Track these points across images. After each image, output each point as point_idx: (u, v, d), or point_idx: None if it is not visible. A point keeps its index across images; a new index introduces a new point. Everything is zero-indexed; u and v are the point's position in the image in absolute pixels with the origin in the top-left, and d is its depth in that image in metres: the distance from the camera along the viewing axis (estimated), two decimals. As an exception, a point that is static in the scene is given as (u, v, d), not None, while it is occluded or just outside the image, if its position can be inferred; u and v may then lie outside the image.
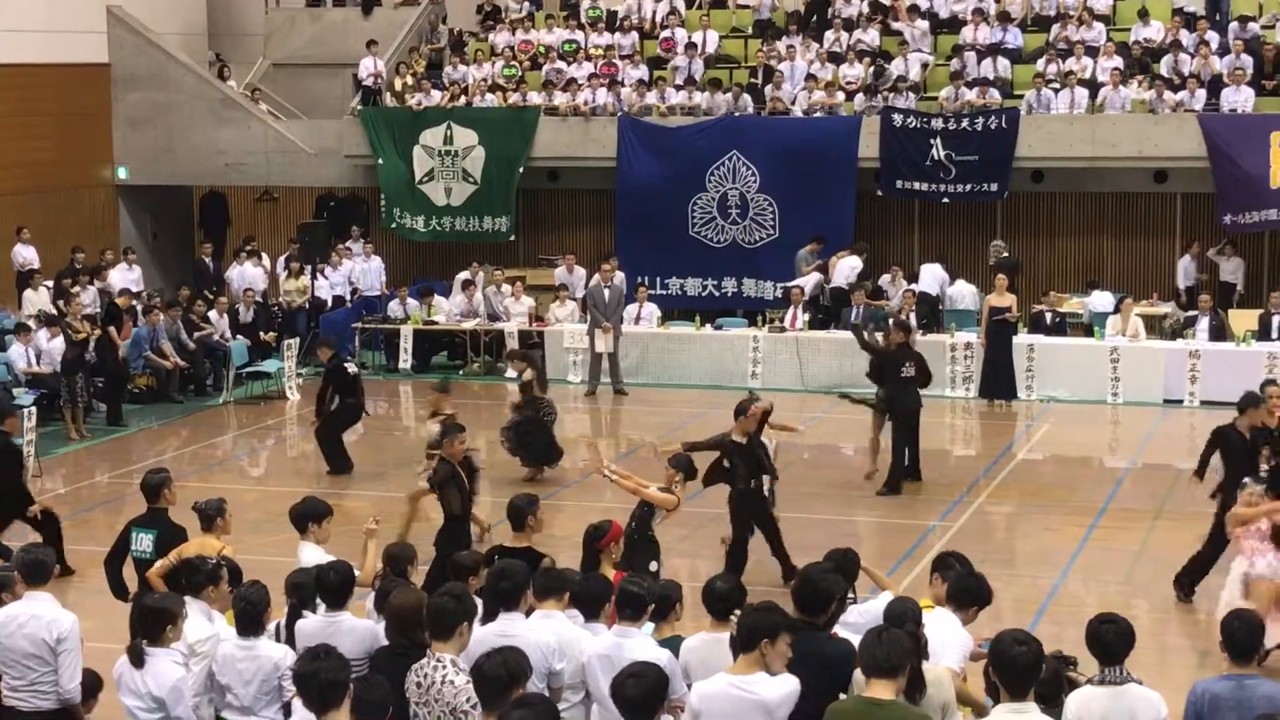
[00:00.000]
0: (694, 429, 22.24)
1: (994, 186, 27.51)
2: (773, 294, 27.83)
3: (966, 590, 8.88)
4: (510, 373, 22.21)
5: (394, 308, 27.84)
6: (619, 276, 26.10)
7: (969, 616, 8.85)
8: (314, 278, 28.40)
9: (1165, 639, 13.57)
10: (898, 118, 27.57)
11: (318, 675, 7.10)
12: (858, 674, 7.56)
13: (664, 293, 28.46)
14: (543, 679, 8.28)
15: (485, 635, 8.30)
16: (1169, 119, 26.65)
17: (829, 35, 30.19)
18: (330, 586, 9.20)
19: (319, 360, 21.59)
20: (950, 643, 8.45)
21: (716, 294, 28.73)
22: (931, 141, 27.40)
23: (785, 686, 7.38)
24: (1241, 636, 7.89)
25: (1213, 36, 28.03)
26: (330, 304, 28.44)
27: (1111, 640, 7.72)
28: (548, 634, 8.52)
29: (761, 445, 15.05)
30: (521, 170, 29.60)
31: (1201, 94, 26.84)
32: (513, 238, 29.98)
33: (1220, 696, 7.78)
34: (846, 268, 26.59)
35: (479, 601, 8.67)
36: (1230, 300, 26.18)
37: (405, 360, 27.03)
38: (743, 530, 14.98)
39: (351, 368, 20.73)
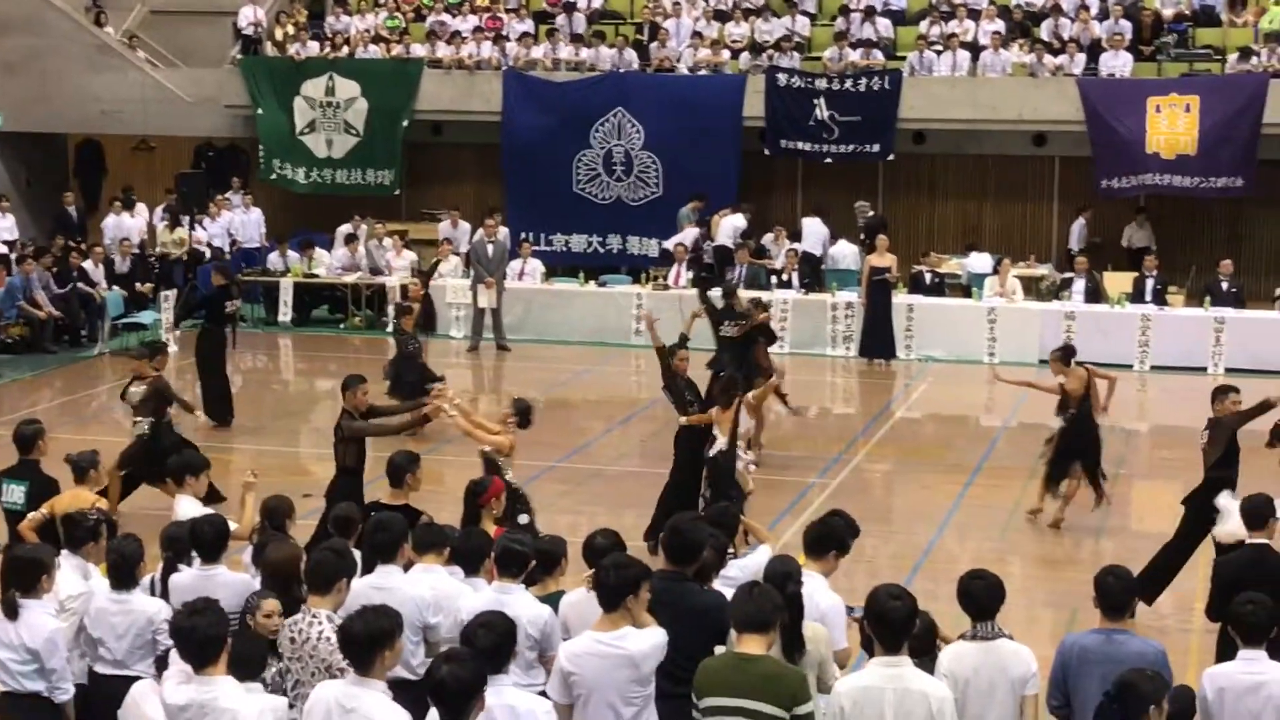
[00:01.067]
0: (577, 385, 22.33)
1: (877, 147, 27.68)
2: (656, 251, 27.83)
3: (818, 537, 8.89)
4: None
5: (273, 260, 27.55)
6: (503, 232, 26.01)
7: (829, 564, 8.88)
8: (192, 229, 28.01)
9: (1037, 594, 13.80)
10: (782, 77, 27.65)
11: (196, 630, 7.04)
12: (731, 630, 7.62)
13: (548, 249, 28.37)
14: (417, 633, 8.27)
15: (361, 588, 8.28)
16: (1048, 83, 26.95)
17: (715, -8, 30.19)
18: (205, 540, 9.11)
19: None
20: (829, 611, 8.47)
21: (601, 251, 28.70)
22: (815, 101, 27.50)
23: (652, 639, 7.42)
24: (1115, 592, 8.01)
25: (1093, 1, 28.36)
26: (208, 255, 28.06)
27: (982, 595, 7.82)
28: (423, 588, 8.50)
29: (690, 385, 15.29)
30: (405, 123, 29.36)
31: (1081, 58, 27.16)
32: (397, 191, 29.75)
33: (1089, 650, 7.91)
34: (730, 226, 26.64)
35: (359, 557, 8.64)
36: (1139, 264, 26.24)
37: (285, 313, 26.77)
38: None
39: (232, 306, 20.45)
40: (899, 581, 8.87)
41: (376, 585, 8.35)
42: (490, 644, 6.89)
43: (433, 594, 8.48)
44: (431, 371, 19.95)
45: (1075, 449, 15.62)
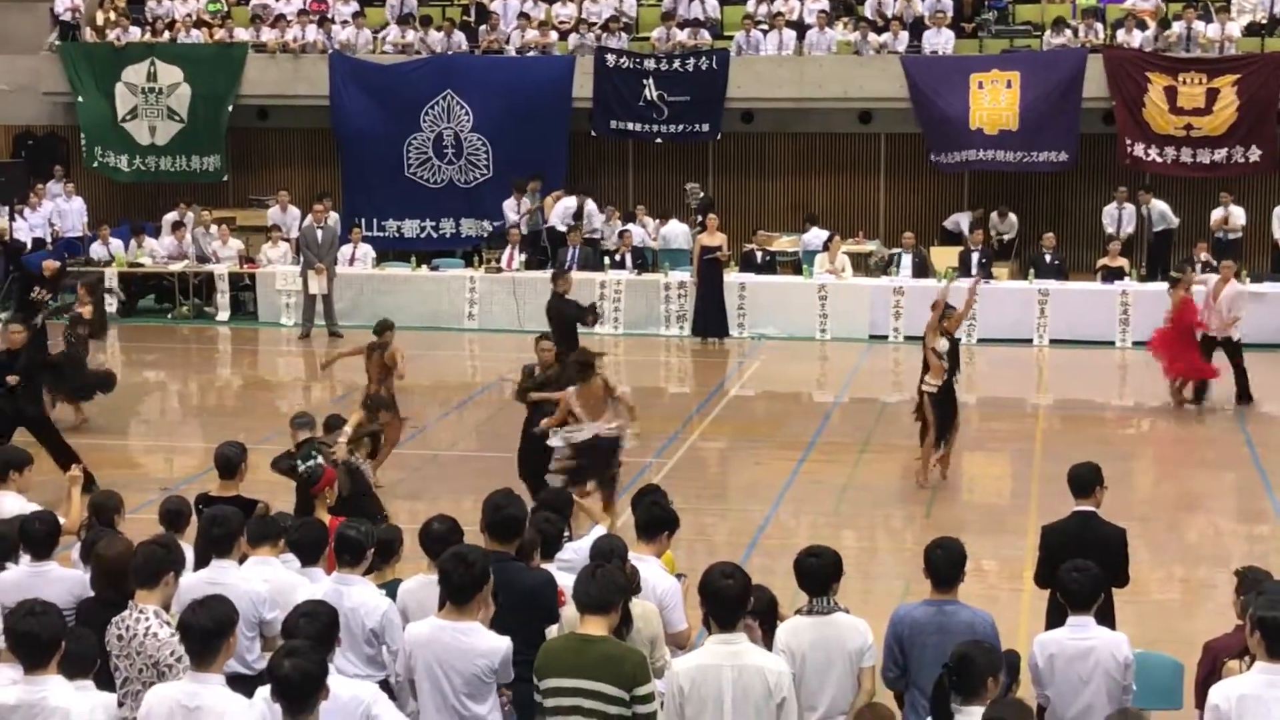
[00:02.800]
0: (410, 371, 22.14)
1: (706, 127, 27.84)
2: (488, 233, 27.69)
3: (650, 520, 8.94)
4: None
5: (96, 249, 26.99)
6: (333, 217, 25.75)
7: (662, 545, 8.94)
8: (12, 219, 27.32)
9: (871, 568, 13.98)
10: (611, 58, 27.68)
11: (34, 632, 6.89)
12: (570, 610, 7.63)
13: (381, 234, 28.13)
14: (253, 628, 8.16)
15: (194, 583, 8.16)
16: (873, 60, 27.28)
17: (542, -26, 30.10)
18: (35, 536, 8.89)
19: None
20: (665, 594, 8.51)
21: (434, 235, 28.51)
22: (644, 82, 27.59)
23: (499, 645, 7.39)
24: (943, 564, 8.13)
25: (915, -20, 28.75)
26: (30, 246, 27.39)
27: (817, 571, 7.92)
28: (258, 582, 8.40)
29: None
30: (230, 108, 28.92)
31: (905, 36, 27.53)
32: (225, 178, 29.30)
33: (920, 622, 8.03)
34: (562, 208, 26.62)
35: (189, 551, 8.50)
36: (1008, 253, 26.61)
37: (110, 304, 26.18)
38: None
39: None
40: (736, 558, 8.97)
41: (210, 580, 8.23)
42: (314, 633, 6.83)
43: (268, 587, 8.38)
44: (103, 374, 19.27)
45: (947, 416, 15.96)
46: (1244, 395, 20.03)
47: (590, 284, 23.90)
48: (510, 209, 26.57)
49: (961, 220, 26.87)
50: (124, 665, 7.56)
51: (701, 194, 26.99)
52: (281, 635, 7.00)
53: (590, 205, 26.56)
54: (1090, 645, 7.91)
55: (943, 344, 15.96)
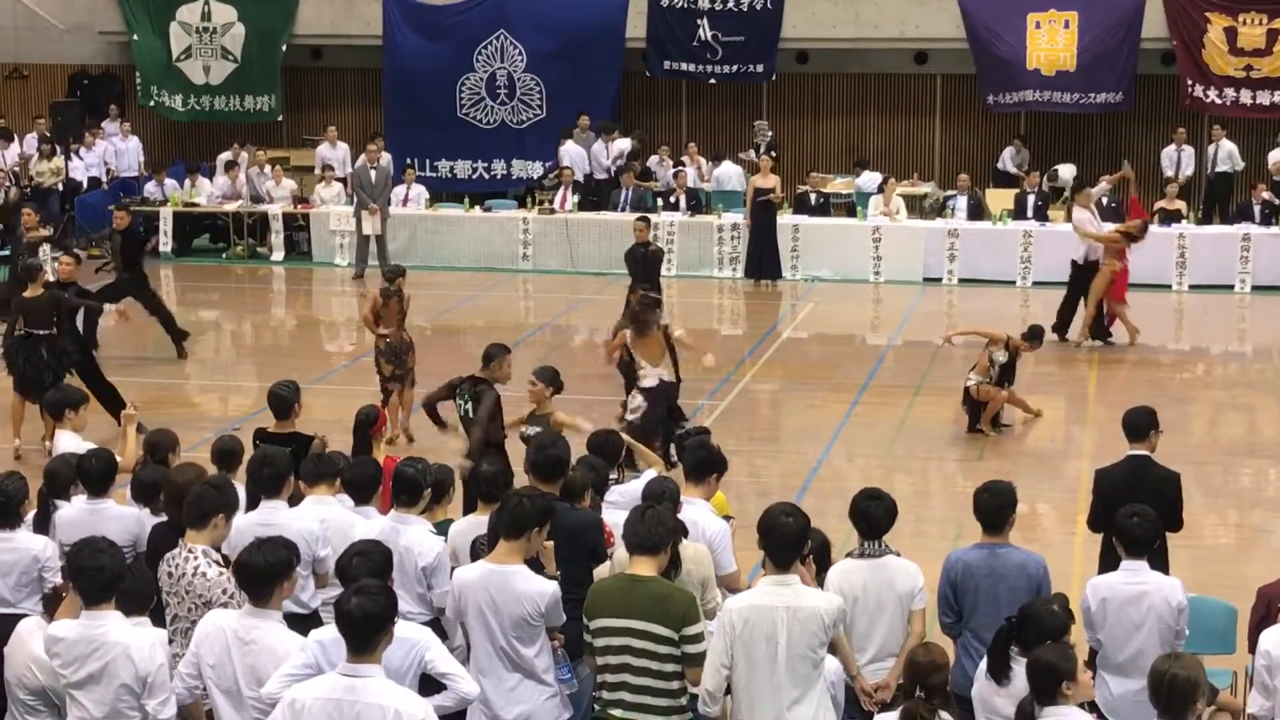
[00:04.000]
0: (464, 312, 22.24)
1: (760, 68, 27.69)
2: (541, 173, 27.68)
3: (699, 461, 8.93)
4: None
5: (151, 189, 27.11)
6: (385, 157, 25.75)
7: (711, 487, 8.93)
8: (68, 158, 27.46)
9: (923, 511, 13.95)
10: (665, -2, 27.55)
11: (97, 567, 6.98)
12: (621, 551, 7.66)
13: (433, 175, 28.15)
14: (306, 567, 8.22)
15: (246, 524, 8.20)
16: (930, 1, 27.03)
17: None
18: (92, 473, 8.99)
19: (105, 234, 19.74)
20: (714, 536, 8.51)
21: (486, 176, 28.51)
22: (699, 22, 27.44)
23: (544, 588, 7.38)
24: (990, 508, 8.13)
25: (972, -81, 28.44)
26: (86, 185, 27.55)
27: (875, 514, 7.93)
28: (310, 520, 8.45)
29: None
30: (284, 48, 28.94)
31: (962, -25, 27.26)
32: (279, 118, 29.35)
33: (973, 565, 8.03)
34: (615, 150, 26.57)
35: (241, 493, 8.54)
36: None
37: (165, 243, 26.35)
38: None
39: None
40: (790, 500, 8.97)
41: (262, 522, 8.27)
42: (367, 572, 6.85)
43: (320, 526, 8.43)
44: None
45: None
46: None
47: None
48: (600, 153, 26.56)
49: (1007, 157, 26.50)
50: (173, 603, 7.64)
51: (770, 133, 26.86)
52: (335, 575, 7.04)
53: (625, 143, 26.53)
54: (1143, 589, 7.88)
55: (1001, 355, 15.85)
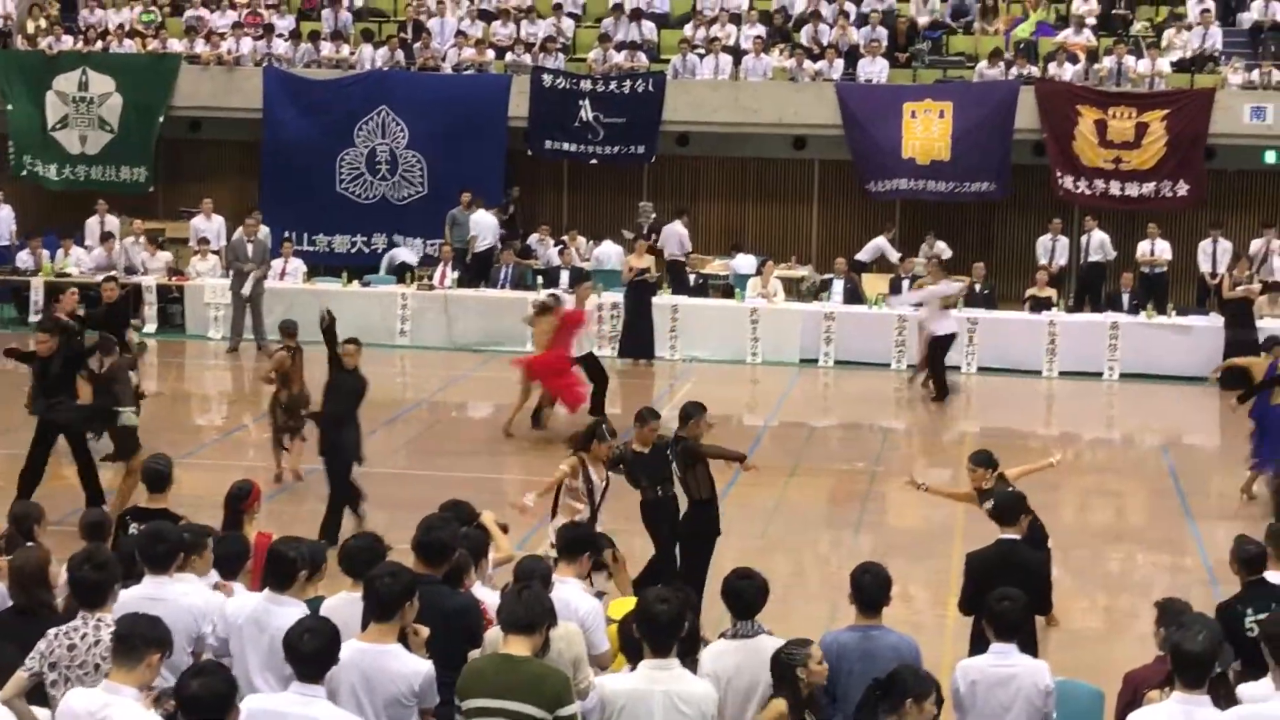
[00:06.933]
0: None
1: (641, 149, 27.89)
2: (423, 250, 27.63)
3: (573, 540, 8.94)
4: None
5: (24, 258, 26.72)
6: (264, 230, 25.60)
7: (583, 566, 8.93)
8: (-63, 226, 27.03)
9: (798, 591, 14.01)
10: (547, 78, 27.70)
11: None
12: (495, 631, 7.60)
13: (311, 249, 27.98)
14: (192, 643, 8.09)
15: (132, 599, 8.03)
16: (808, 87, 27.42)
17: (479, -8, 30.14)
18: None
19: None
20: (587, 615, 8.47)
21: (366, 251, 28.37)
22: (581, 103, 27.62)
23: (420, 668, 7.32)
24: (869, 589, 8.18)
25: (851, 8, 28.95)
26: (-44, 254, 27.13)
27: (748, 594, 7.94)
28: (197, 597, 8.34)
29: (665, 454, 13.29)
30: (162, 119, 28.73)
31: (839, 64, 27.69)
32: (151, 189, 29.08)
33: (847, 647, 8.07)
34: (488, 225, 26.62)
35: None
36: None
37: (35, 313, 25.90)
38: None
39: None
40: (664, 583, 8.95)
41: (151, 596, 8.12)
42: (314, 649, 6.80)
43: (205, 602, 8.32)
44: None
45: None
46: None
47: (522, 303, 23.84)
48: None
49: (884, 247, 26.77)
50: (74, 676, 7.46)
51: (654, 215, 27.02)
52: (284, 651, 6.95)
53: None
54: (1012, 672, 7.95)
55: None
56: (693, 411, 12.92)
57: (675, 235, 26.82)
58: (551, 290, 20.74)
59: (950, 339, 22.24)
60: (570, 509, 12.63)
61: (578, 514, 12.54)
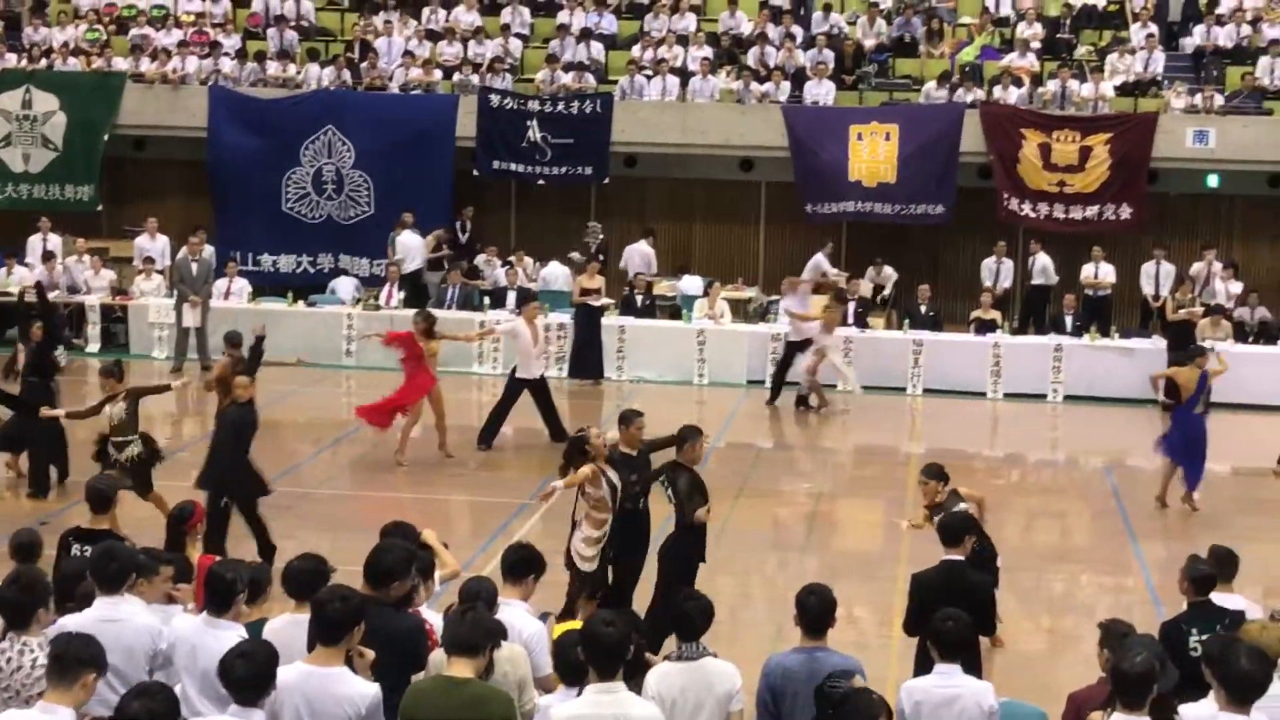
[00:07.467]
0: (285, 407, 21.96)
1: (589, 170, 27.90)
2: (368, 270, 27.54)
3: (518, 561, 8.90)
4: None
5: (-35, 277, 26.52)
6: (207, 250, 25.48)
7: (528, 587, 8.90)
8: (-122, 245, 26.78)
9: (743, 614, 14.02)
10: (495, 98, 27.69)
11: None
12: (439, 653, 7.57)
13: (256, 269, 27.83)
14: (150, 661, 8.03)
15: (87, 622, 7.95)
16: (755, 109, 27.51)
17: (426, 12, 30.10)
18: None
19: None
20: (531, 638, 8.45)
21: (311, 270, 28.25)
22: (528, 123, 27.61)
23: (368, 691, 7.28)
24: (814, 611, 8.20)
25: (798, 31, 29.08)
26: (-104, 273, 26.85)
27: (693, 615, 7.95)
28: (151, 616, 8.28)
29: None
30: (106, 138, 28.56)
31: (786, 86, 27.80)
32: (98, 208, 28.89)
33: (792, 669, 8.08)
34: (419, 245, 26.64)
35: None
36: (883, 303, 26.79)
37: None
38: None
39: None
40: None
41: (106, 618, 8.05)
42: (248, 673, 6.75)
43: (159, 620, 8.27)
44: None
45: None
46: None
47: (469, 324, 23.81)
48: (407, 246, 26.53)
49: (821, 263, 26.79)
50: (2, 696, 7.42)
51: (602, 235, 27.02)
52: (219, 676, 6.89)
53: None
54: (956, 693, 7.98)
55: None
56: (689, 435, 12.79)
57: (640, 254, 26.86)
58: (423, 310, 20.72)
59: (805, 344, 22.94)
60: (595, 520, 12.58)
61: (603, 524, 12.51)
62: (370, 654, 7.57)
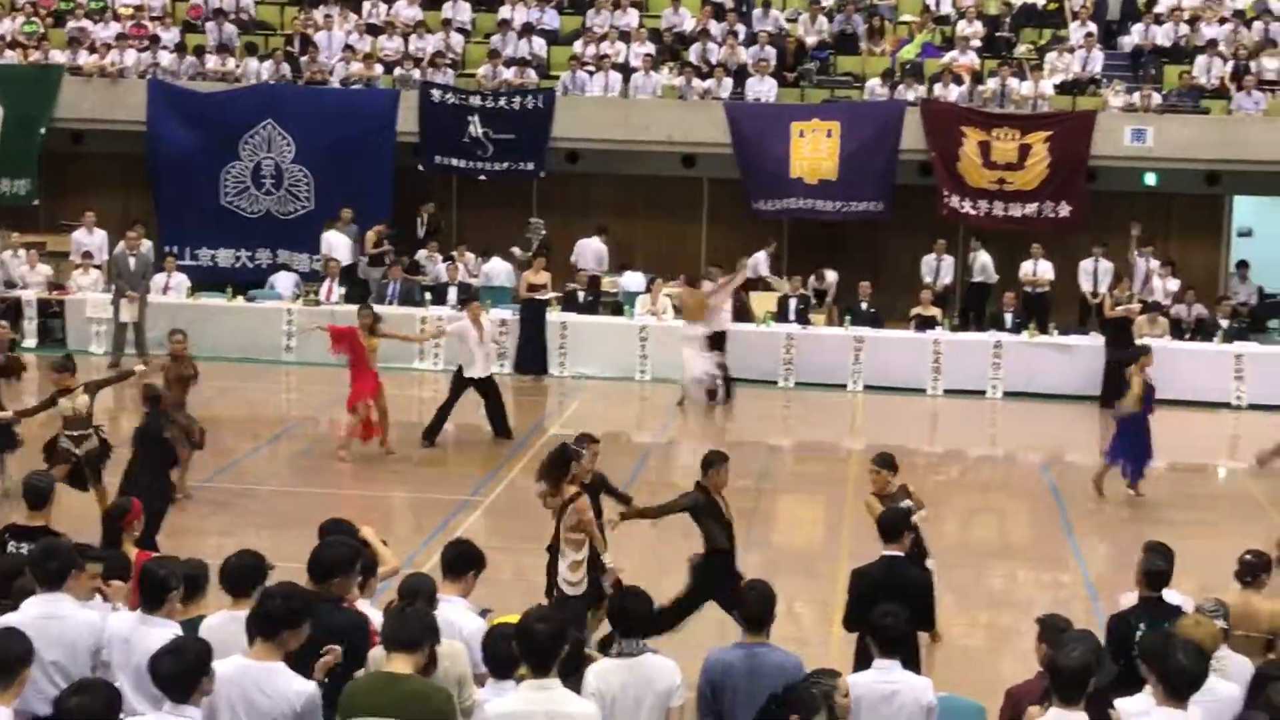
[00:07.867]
0: (223, 403, 21.84)
1: (530, 165, 27.86)
2: (308, 265, 27.41)
3: (457, 556, 8.84)
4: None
5: (-99, 272, 26.23)
6: (145, 244, 25.30)
7: (469, 584, 8.85)
8: None
9: (685, 609, 14.00)
10: (436, 93, 27.60)
11: None
12: (378, 650, 7.55)
13: (194, 263, 27.64)
14: (93, 658, 7.98)
15: (28, 620, 7.88)
16: (697, 105, 27.54)
17: (366, 6, 29.99)
18: None
19: None
20: (472, 635, 8.43)
21: (250, 265, 28.08)
22: (470, 118, 27.54)
23: (306, 690, 7.24)
24: (754, 606, 8.22)
25: (740, 28, 29.13)
26: None
27: (633, 612, 7.94)
28: (92, 613, 8.22)
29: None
30: (44, 131, 28.29)
31: (728, 82, 27.84)
32: (35, 201, 28.62)
33: (732, 665, 8.09)
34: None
35: None
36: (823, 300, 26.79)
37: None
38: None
39: None
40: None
41: (49, 615, 7.99)
42: (176, 670, 6.72)
43: (101, 616, 8.22)
44: None
45: None
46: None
47: (410, 320, 23.76)
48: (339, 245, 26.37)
49: (760, 262, 26.82)
50: None
51: (544, 231, 26.94)
52: (148, 672, 6.84)
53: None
54: (895, 688, 8.02)
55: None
56: (714, 460, 12.39)
57: (593, 250, 26.86)
58: (367, 306, 20.78)
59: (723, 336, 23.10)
60: (574, 543, 12.01)
61: (583, 544, 12.03)
62: (336, 654, 7.52)
